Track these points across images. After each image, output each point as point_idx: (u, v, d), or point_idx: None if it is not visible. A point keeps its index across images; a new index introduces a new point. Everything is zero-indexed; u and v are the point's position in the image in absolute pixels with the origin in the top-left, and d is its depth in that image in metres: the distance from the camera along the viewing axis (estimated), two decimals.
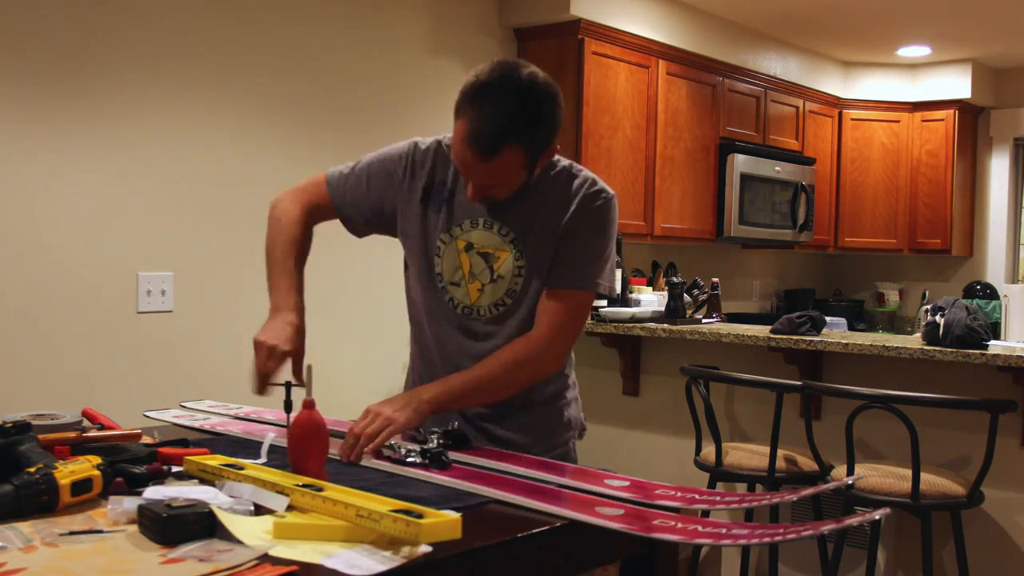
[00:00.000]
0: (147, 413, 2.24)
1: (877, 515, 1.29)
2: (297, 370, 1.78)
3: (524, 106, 1.73)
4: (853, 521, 1.29)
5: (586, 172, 1.96)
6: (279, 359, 1.75)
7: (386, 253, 3.85)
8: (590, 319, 3.98)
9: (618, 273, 1.95)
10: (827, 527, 1.28)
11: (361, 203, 1.99)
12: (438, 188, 1.94)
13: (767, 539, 1.31)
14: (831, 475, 3.21)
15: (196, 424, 2.10)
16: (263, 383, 1.75)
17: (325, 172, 2.04)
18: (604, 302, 4.00)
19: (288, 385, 1.73)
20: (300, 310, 1.86)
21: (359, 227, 2.03)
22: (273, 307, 1.86)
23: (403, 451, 1.68)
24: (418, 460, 1.65)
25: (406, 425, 1.75)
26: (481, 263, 1.91)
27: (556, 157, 1.93)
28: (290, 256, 1.93)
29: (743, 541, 1.28)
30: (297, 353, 1.78)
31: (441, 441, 1.77)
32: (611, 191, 1.96)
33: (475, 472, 1.64)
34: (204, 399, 2.63)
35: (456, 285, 1.93)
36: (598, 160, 4.46)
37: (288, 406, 1.75)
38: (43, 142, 2.95)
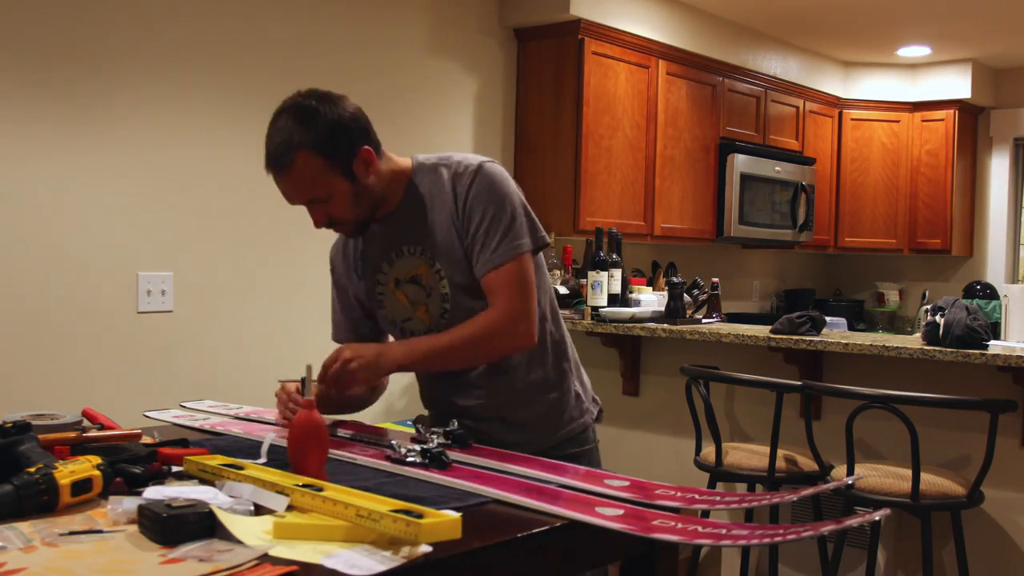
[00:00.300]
0: (147, 413, 2.24)
1: (877, 516, 1.29)
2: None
3: (296, 115, 1.84)
4: (853, 522, 1.29)
5: (454, 156, 2.00)
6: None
7: None
8: (589, 319, 3.98)
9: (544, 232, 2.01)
10: (827, 528, 1.28)
11: (357, 323, 2.13)
12: (355, 257, 2.07)
13: (767, 539, 1.31)
14: (831, 475, 3.21)
15: (196, 424, 2.10)
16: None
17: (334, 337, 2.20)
18: (604, 302, 4.00)
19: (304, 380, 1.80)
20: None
21: (371, 327, 2.15)
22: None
23: (403, 451, 1.68)
24: (418, 460, 1.65)
25: (366, 364, 1.86)
26: (414, 288, 2.00)
27: (423, 158, 2.01)
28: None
29: (743, 542, 1.28)
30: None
31: (441, 441, 1.77)
32: (479, 159, 1.97)
33: (475, 472, 1.64)
34: (204, 399, 2.63)
35: (408, 319, 2.03)
36: (598, 160, 4.46)
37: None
38: (43, 142, 2.95)
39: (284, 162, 1.83)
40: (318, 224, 1.93)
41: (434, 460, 1.65)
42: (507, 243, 1.90)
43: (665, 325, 3.85)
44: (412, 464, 1.65)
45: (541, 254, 2.02)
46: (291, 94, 1.89)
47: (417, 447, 1.68)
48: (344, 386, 1.86)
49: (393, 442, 1.75)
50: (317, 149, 1.83)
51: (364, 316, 2.13)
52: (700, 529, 1.33)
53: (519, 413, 2.01)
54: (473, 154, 2.00)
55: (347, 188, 1.88)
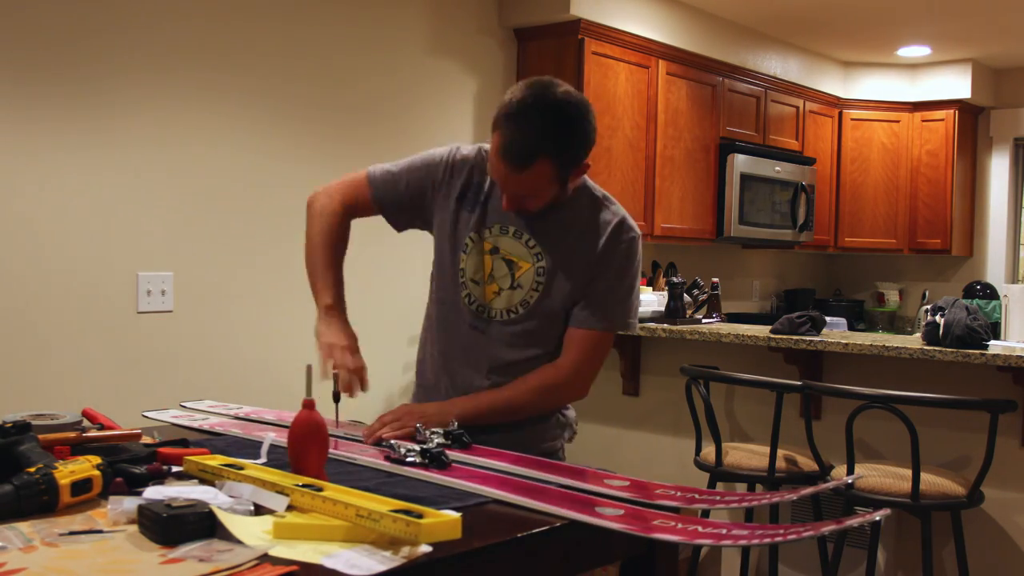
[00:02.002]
0: (146, 413, 2.24)
1: (877, 516, 1.29)
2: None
3: (555, 122, 1.82)
4: (853, 522, 1.29)
5: (618, 206, 2.04)
6: (357, 358, 1.93)
7: (385, 256, 3.86)
8: None
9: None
10: (827, 528, 1.28)
11: (402, 199, 2.07)
12: (474, 190, 2.02)
13: (767, 540, 1.31)
14: (831, 475, 3.21)
15: (195, 424, 2.10)
16: (348, 384, 1.92)
17: (366, 170, 2.11)
18: None
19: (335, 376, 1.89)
20: (344, 308, 2.01)
21: (400, 222, 2.12)
22: (324, 308, 2.00)
23: (403, 451, 1.68)
24: (418, 460, 1.65)
25: (429, 421, 1.87)
26: (503, 268, 1.99)
27: (591, 183, 2.03)
28: (333, 252, 2.05)
29: (743, 542, 1.28)
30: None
31: (441, 441, 1.77)
32: (639, 230, 2.05)
33: (475, 472, 1.64)
34: (204, 399, 2.63)
35: (476, 283, 2.01)
36: (598, 160, 4.46)
37: (336, 396, 1.92)
38: (43, 142, 2.95)
39: (522, 161, 1.82)
40: (507, 208, 1.92)
41: (434, 460, 1.65)
42: (620, 313, 1.99)
43: (665, 325, 3.85)
44: (412, 464, 1.65)
45: None
46: (548, 82, 1.85)
47: (417, 447, 1.68)
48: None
49: (393, 442, 1.75)
50: (557, 162, 1.84)
51: (408, 207, 2.06)
52: (700, 529, 1.33)
53: (499, 428, 2.01)
54: (625, 211, 2.04)
55: (555, 192, 1.91)
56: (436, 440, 1.77)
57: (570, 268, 1.97)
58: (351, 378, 1.91)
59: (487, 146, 2.01)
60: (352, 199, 2.09)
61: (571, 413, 2.17)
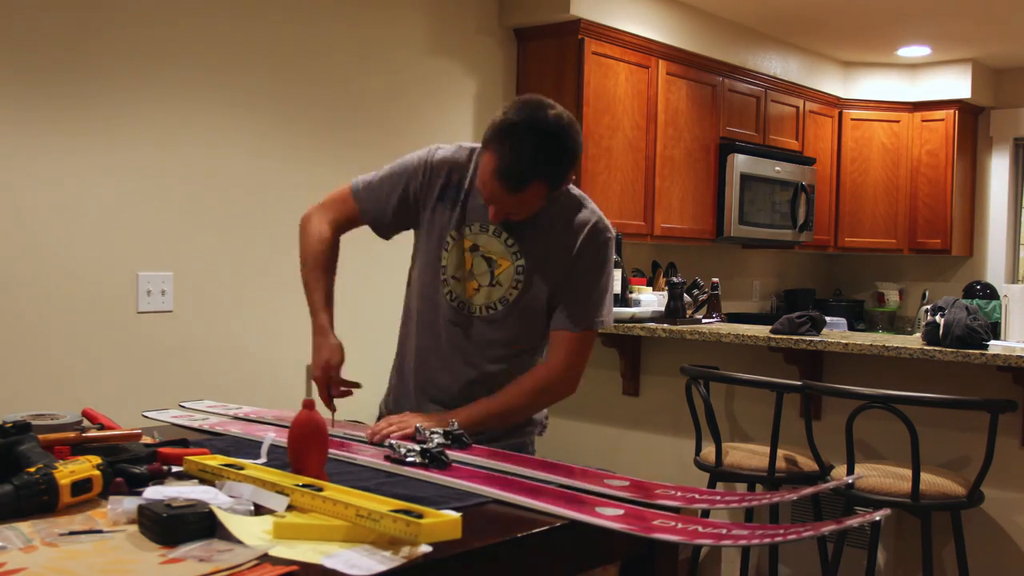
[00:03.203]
0: (146, 413, 2.24)
1: (877, 516, 1.29)
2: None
3: (549, 147, 1.88)
4: (853, 522, 1.29)
5: (594, 206, 2.09)
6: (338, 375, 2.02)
7: (381, 256, 3.85)
8: None
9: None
10: (827, 528, 1.28)
11: (386, 208, 2.12)
12: (454, 189, 2.07)
13: (767, 540, 1.31)
14: (831, 475, 3.21)
15: (195, 424, 2.10)
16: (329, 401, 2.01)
17: (349, 184, 2.16)
18: None
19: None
20: (332, 324, 2.08)
21: (386, 230, 2.17)
22: (316, 327, 2.07)
23: (403, 451, 1.68)
24: (418, 460, 1.65)
25: (430, 423, 1.93)
26: (483, 265, 2.04)
27: (572, 187, 2.07)
28: (324, 272, 2.11)
29: (743, 542, 1.28)
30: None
31: (441, 441, 1.77)
32: (614, 230, 2.11)
33: (475, 472, 1.64)
34: (204, 399, 2.63)
35: (456, 280, 2.06)
36: (598, 160, 4.46)
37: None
38: (43, 142, 2.95)
39: (518, 185, 1.88)
40: (495, 220, 1.97)
41: (434, 460, 1.65)
42: (596, 312, 2.04)
43: (665, 325, 3.85)
44: (412, 464, 1.65)
45: None
46: (539, 103, 1.91)
47: (417, 447, 1.68)
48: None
49: (393, 442, 1.75)
50: (549, 184, 1.91)
51: (393, 214, 2.12)
52: (700, 529, 1.33)
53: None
54: (599, 210, 2.10)
55: (543, 203, 1.96)
56: (436, 440, 1.78)
57: (548, 266, 2.03)
58: (325, 380, 1.99)
59: (467, 144, 2.10)
60: (341, 216, 2.15)
61: (540, 412, 2.21)
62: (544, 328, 2.08)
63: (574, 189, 2.08)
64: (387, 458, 1.70)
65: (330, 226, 2.14)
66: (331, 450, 1.66)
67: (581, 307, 2.03)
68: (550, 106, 1.91)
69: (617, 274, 4.08)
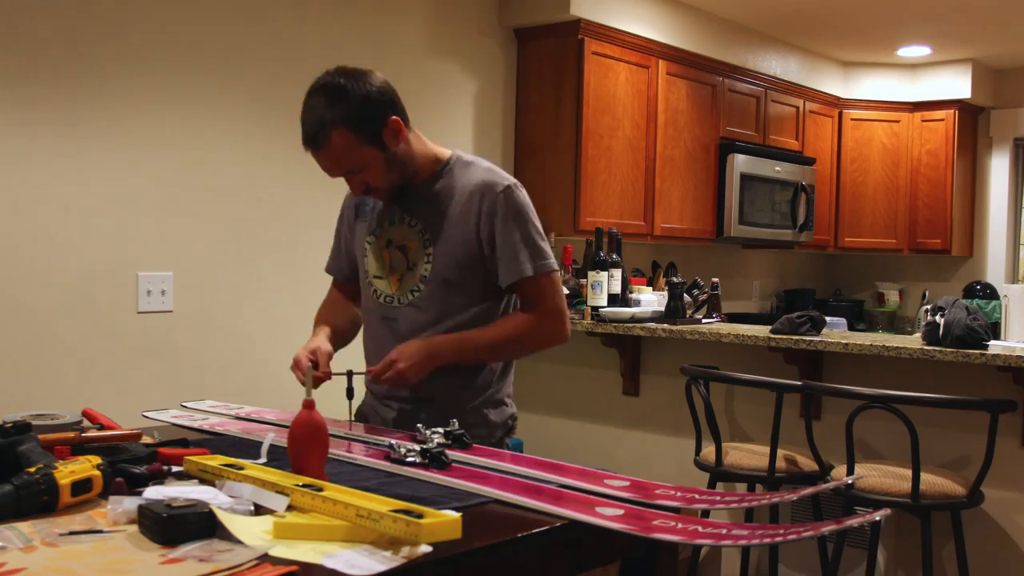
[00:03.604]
0: (146, 413, 2.24)
1: (877, 516, 1.29)
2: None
3: (328, 94, 1.96)
4: (853, 522, 1.29)
5: (488, 164, 2.13)
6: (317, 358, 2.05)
7: None
8: (589, 319, 3.99)
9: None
10: (827, 528, 1.28)
11: (341, 261, 2.30)
12: (368, 205, 2.19)
13: (767, 540, 1.31)
14: (831, 475, 3.21)
15: (195, 424, 2.10)
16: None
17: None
18: (604, 302, 4.00)
19: (350, 373, 2.00)
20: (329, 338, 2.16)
21: (354, 276, 2.27)
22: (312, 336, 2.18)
23: (403, 451, 1.68)
24: (418, 460, 1.65)
25: (414, 379, 2.00)
26: (399, 256, 2.11)
27: (462, 153, 2.14)
28: (329, 313, 2.28)
29: (743, 542, 1.28)
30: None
31: (441, 441, 1.77)
32: (511, 178, 2.11)
33: (475, 472, 1.64)
34: (204, 399, 2.63)
35: (379, 278, 2.15)
36: (598, 160, 4.46)
37: (350, 392, 2.04)
38: (43, 143, 2.95)
39: (320, 140, 1.96)
40: (356, 192, 2.07)
41: (434, 460, 1.65)
42: (540, 260, 2.07)
43: (665, 325, 3.85)
44: (412, 464, 1.65)
45: None
46: (321, 73, 2.01)
47: (417, 447, 1.68)
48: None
49: (393, 442, 1.75)
50: (349, 125, 1.95)
51: (348, 263, 2.27)
52: (700, 529, 1.33)
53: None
54: (502, 171, 2.14)
55: (379, 157, 2.00)
56: (436, 440, 1.78)
57: (450, 232, 2.06)
58: (306, 362, 2.01)
59: None
60: (332, 292, 2.35)
61: (509, 409, 2.20)
62: (471, 301, 2.07)
63: (468, 156, 2.14)
64: (387, 458, 1.70)
65: (328, 299, 2.36)
66: (331, 450, 1.66)
67: (512, 256, 2.04)
68: (339, 69, 2.01)
69: (617, 274, 4.09)
